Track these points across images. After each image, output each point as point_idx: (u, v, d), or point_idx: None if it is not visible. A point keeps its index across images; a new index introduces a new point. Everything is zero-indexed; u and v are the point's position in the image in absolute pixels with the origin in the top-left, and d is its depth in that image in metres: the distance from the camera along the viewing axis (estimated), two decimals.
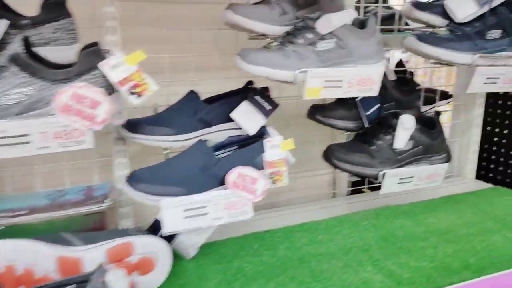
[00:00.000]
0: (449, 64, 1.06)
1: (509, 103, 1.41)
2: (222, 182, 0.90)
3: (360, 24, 0.97)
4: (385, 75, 1.15)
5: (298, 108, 1.19)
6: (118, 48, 0.96)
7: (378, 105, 1.14)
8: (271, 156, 0.95)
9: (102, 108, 0.73)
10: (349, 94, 0.95)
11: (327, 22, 0.89)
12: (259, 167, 0.94)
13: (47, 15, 0.81)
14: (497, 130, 1.45)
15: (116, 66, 0.76)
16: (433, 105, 1.30)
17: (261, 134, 0.98)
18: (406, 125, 1.05)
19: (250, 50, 0.89)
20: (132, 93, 0.76)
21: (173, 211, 0.84)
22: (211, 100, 1.04)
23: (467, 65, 1.04)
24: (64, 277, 0.72)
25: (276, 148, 0.95)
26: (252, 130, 0.98)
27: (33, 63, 0.72)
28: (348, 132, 1.18)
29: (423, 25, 1.16)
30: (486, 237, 1.00)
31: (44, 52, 0.80)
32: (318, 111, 1.12)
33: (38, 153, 0.73)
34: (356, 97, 1.13)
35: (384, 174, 1.04)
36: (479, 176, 1.47)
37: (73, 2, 0.87)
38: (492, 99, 1.44)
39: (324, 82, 0.91)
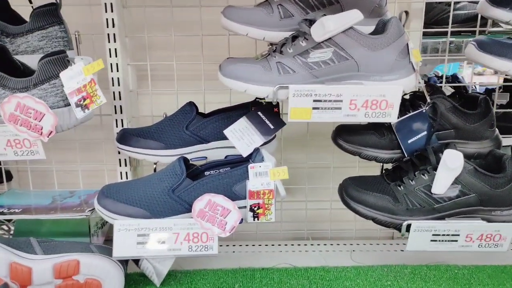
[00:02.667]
0: None
1: None
2: (191, 209, 0.79)
3: (384, 27, 0.74)
4: (437, 91, 0.87)
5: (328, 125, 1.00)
6: (120, 55, 0.94)
7: (425, 132, 0.87)
8: (255, 185, 0.80)
9: (47, 121, 0.71)
10: (353, 118, 0.74)
11: (321, 27, 0.70)
12: (240, 196, 0.81)
13: (35, 23, 0.83)
14: None
15: (73, 77, 0.73)
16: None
17: (252, 157, 0.84)
18: (450, 164, 0.76)
19: (231, 61, 0.77)
20: (79, 106, 0.72)
21: (126, 234, 0.78)
22: (211, 114, 0.94)
23: None
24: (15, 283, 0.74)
25: (263, 176, 0.81)
26: (244, 151, 0.84)
27: None
28: (383, 164, 0.93)
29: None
30: None
31: (31, 60, 0.82)
32: (342, 134, 0.91)
33: None
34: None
35: (408, 225, 0.78)
36: None
37: (75, 10, 0.89)
38: None
39: (314, 102, 0.72)
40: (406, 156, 0.87)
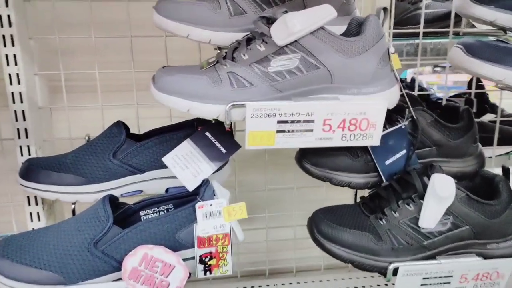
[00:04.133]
0: None
1: None
2: (120, 268, 0.60)
3: (358, 28, 0.60)
4: (416, 103, 0.74)
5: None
6: (22, 63, 0.72)
7: (405, 151, 0.74)
8: (206, 230, 0.63)
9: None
10: (328, 142, 0.58)
11: (284, 27, 0.54)
12: (186, 245, 0.63)
13: None
14: None
15: None
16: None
17: (199, 193, 0.66)
18: (441, 192, 0.63)
19: (168, 71, 0.58)
20: None
21: None
22: (146, 136, 0.75)
23: None
24: None
25: (215, 216, 0.63)
26: (189, 184, 0.67)
27: None
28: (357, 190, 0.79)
29: (494, 28, 0.74)
30: None
31: None
32: (308, 156, 0.75)
33: None
34: None
35: (395, 269, 0.64)
36: None
37: None
38: None
39: (279, 124, 0.56)
40: (385, 180, 0.73)
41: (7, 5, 0.69)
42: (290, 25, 0.54)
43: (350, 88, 0.57)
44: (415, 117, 0.71)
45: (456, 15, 0.93)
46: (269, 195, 0.95)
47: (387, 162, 0.74)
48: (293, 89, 0.56)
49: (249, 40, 0.59)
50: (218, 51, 0.66)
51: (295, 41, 0.55)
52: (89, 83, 0.85)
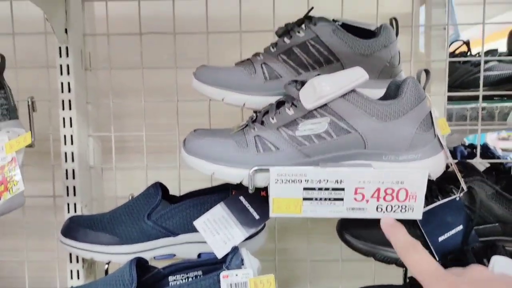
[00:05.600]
0: None
1: None
2: None
3: (397, 90, 0.56)
4: (473, 172, 0.66)
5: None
6: (76, 125, 0.78)
7: (461, 227, 0.65)
8: None
9: None
10: (360, 213, 0.53)
11: (312, 90, 0.52)
12: None
13: None
14: None
15: None
16: None
17: (227, 260, 0.62)
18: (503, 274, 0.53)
19: (198, 134, 0.59)
20: None
21: None
22: (183, 198, 0.75)
23: None
24: None
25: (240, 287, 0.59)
26: (218, 250, 0.64)
27: None
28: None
29: None
30: None
31: None
32: (350, 227, 0.69)
33: None
34: None
35: None
36: None
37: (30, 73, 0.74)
38: None
39: (306, 191, 0.52)
40: (437, 259, 0.64)
41: (68, 73, 0.76)
42: (319, 88, 0.52)
43: (386, 154, 0.53)
44: (469, 189, 0.63)
45: None
46: (312, 267, 0.88)
47: (440, 239, 0.65)
48: (322, 154, 0.53)
49: (279, 104, 0.58)
50: (254, 114, 0.66)
51: (325, 104, 0.53)
52: (138, 144, 0.89)
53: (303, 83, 0.55)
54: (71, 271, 0.80)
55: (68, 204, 0.79)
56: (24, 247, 0.87)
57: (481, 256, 0.58)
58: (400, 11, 0.90)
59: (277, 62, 0.65)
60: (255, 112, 0.67)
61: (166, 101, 0.83)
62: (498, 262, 0.55)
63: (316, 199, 0.52)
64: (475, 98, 0.92)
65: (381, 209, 0.52)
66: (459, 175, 0.59)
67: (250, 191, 0.54)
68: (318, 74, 0.56)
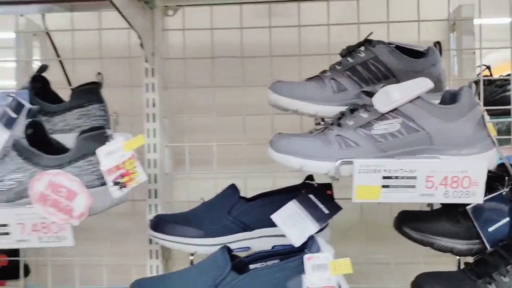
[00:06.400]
0: None
1: None
2: None
3: (453, 98, 0.67)
4: None
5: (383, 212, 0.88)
6: (158, 136, 0.89)
7: (508, 218, 0.74)
8: (314, 281, 0.67)
9: (79, 201, 0.63)
10: (431, 198, 0.63)
11: (385, 96, 0.63)
12: None
13: (74, 101, 0.80)
14: None
15: (112, 153, 0.67)
16: None
17: (307, 247, 0.71)
18: None
19: (283, 136, 0.69)
20: (116, 184, 0.64)
21: None
22: (255, 198, 0.84)
23: None
24: None
25: (322, 269, 0.68)
26: (296, 240, 0.73)
27: (30, 149, 0.67)
28: (460, 257, 0.79)
29: None
30: None
31: (67, 139, 0.76)
32: (408, 221, 0.79)
33: (18, 246, 0.66)
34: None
35: None
36: None
37: (113, 92, 0.86)
38: None
39: (384, 179, 0.62)
40: (489, 247, 0.73)
41: (153, 91, 0.88)
42: (392, 95, 0.63)
43: (449, 149, 0.63)
44: None
45: None
46: (363, 269, 0.96)
47: (490, 229, 0.74)
48: (395, 149, 0.63)
49: (352, 110, 0.69)
50: (321, 122, 0.77)
51: (396, 108, 0.64)
52: (204, 157, 0.99)
53: (372, 94, 0.67)
54: (151, 266, 0.88)
55: (150, 206, 0.89)
56: (103, 252, 0.95)
57: None
58: (433, 38, 1.04)
59: (343, 77, 0.76)
60: (322, 119, 0.78)
61: (234, 115, 0.94)
62: None
63: (392, 186, 0.62)
64: (503, 114, 1.03)
65: (448, 195, 0.62)
66: (509, 167, 0.69)
67: (333, 179, 0.64)
68: (384, 85, 0.67)
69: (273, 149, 0.68)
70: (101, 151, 0.67)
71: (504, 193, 0.74)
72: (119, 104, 0.94)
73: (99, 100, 0.81)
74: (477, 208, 0.75)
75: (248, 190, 0.94)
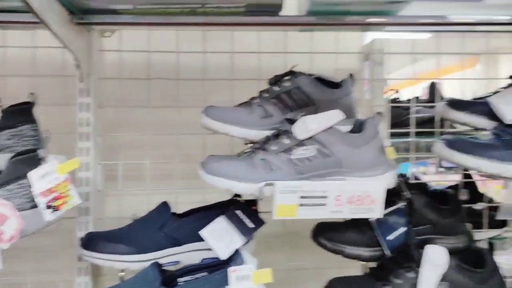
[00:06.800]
0: (493, 177, 0.78)
1: None
2: None
3: (360, 126, 0.78)
4: (414, 188, 0.90)
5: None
6: (92, 155, 0.91)
7: (405, 228, 0.87)
8: None
9: (9, 224, 0.64)
10: (339, 215, 0.73)
11: (303, 125, 0.72)
12: None
13: (5, 121, 0.79)
14: None
15: (45, 176, 0.68)
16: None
17: (232, 260, 0.78)
18: (434, 260, 0.76)
19: (213, 158, 0.76)
20: (49, 207, 0.66)
21: None
22: (186, 214, 0.90)
23: None
24: None
25: (245, 280, 0.75)
26: (223, 253, 0.79)
27: None
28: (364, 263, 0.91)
29: (472, 128, 0.92)
30: None
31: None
32: (323, 233, 0.89)
33: None
34: None
35: None
36: None
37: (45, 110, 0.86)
38: None
39: (301, 199, 0.71)
40: (388, 253, 0.86)
41: (88, 110, 0.90)
42: (308, 124, 0.72)
43: (355, 172, 0.74)
44: (409, 199, 0.86)
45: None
46: (286, 275, 1.05)
47: (388, 238, 0.87)
48: (311, 172, 0.72)
49: (276, 135, 0.77)
50: (250, 145, 0.84)
51: (312, 136, 0.73)
52: (136, 173, 1.02)
53: (294, 121, 0.75)
54: (79, 284, 0.89)
55: (80, 224, 0.90)
56: (24, 270, 0.94)
57: (420, 248, 0.80)
58: (350, 67, 1.17)
59: (269, 104, 0.85)
60: (251, 142, 0.86)
61: (167, 134, 0.99)
62: (431, 249, 0.77)
63: (307, 205, 0.71)
64: (406, 134, 1.19)
65: (353, 212, 0.73)
66: (403, 187, 0.82)
67: (258, 199, 0.72)
68: (304, 114, 0.76)
69: (204, 171, 0.74)
70: (33, 174, 0.68)
71: (401, 207, 0.87)
72: (51, 122, 0.94)
73: (31, 120, 0.81)
74: (379, 220, 0.87)
75: (180, 204, 0.98)
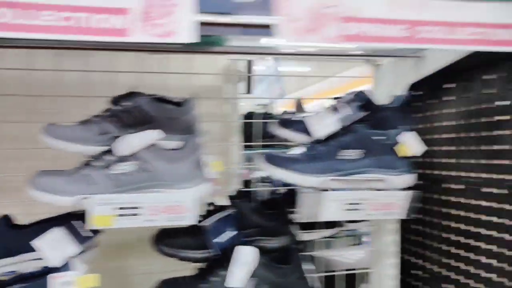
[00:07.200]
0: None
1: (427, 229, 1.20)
2: None
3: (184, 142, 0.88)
4: (243, 196, 1.02)
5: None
6: None
7: (235, 231, 0.99)
8: None
9: None
10: (154, 223, 0.82)
11: (125, 143, 0.81)
12: None
13: None
14: (417, 261, 1.22)
15: None
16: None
17: (60, 267, 0.84)
18: (243, 259, 0.88)
19: (41, 173, 0.81)
20: None
21: None
22: (28, 226, 0.94)
23: (316, 189, 0.90)
24: None
25: (69, 285, 0.81)
26: (56, 261, 0.84)
27: None
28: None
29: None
30: None
31: None
32: (162, 239, 0.98)
33: None
34: None
35: None
36: None
37: None
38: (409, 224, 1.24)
39: (118, 210, 0.79)
40: (218, 253, 0.96)
41: None
42: (129, 142, 0.81)
43: (173, 184, 0.83)
44: (237, 205, 0.98)
45: None
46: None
47: (217, 240, 0.97)
48: (129, 185, 0.81)
49: (104, 152, 0.84)
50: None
51: (134, 153, 0.81)
52: None
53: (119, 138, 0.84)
54: None
55: None
56: None
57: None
58: (213, 84, 1.28)
59: (107, 122, 0.92)
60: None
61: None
62: (238, 248, 0.89)
63: (123, 215, 0.80)
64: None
65: (170, 219, 0.82)
66: (226, 198, 0.94)
67: (80, 213, 0.79)
68: (131, 132, 0.85)
69: (30, 186, 0.80)
70: None
71: (230, 212, 0.99)
72: None
73: None
74: (210, 225, 0.97)
75: (29, 216, 1.01)
